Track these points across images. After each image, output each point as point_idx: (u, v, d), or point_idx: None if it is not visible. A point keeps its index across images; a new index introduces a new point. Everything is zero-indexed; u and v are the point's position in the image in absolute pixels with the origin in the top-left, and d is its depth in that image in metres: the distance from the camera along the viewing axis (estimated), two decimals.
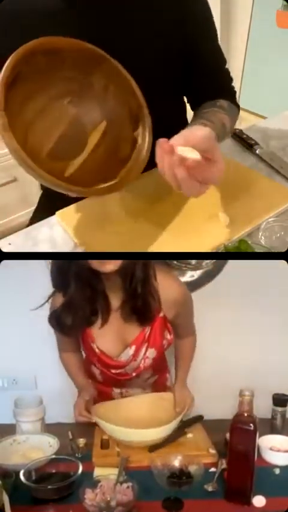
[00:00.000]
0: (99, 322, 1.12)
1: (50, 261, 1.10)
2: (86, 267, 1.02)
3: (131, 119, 1.04)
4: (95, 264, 1.00)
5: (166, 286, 1.11)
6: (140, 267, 1.06)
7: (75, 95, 1.03)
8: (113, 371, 1.15)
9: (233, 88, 1.24)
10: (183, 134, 0.87)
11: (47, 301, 1.14)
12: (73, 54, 0.98)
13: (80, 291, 1.06)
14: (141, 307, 1.07)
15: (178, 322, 1.17)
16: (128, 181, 0.99)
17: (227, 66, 1.22)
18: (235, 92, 1.24)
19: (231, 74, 1.23)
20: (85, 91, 1.03)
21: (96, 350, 1.14)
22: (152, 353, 1.13)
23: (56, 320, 1.11)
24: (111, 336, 1.13)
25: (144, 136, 1.03)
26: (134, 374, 1.14)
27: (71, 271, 1.05)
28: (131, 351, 1.12)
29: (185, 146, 0.83)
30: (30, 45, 0.89)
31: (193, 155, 0.83)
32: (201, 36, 1.13)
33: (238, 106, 1.23)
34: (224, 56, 1.20)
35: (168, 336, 1.15)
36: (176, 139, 0.84)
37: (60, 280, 1.09)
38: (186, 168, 0.81)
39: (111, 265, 1.00)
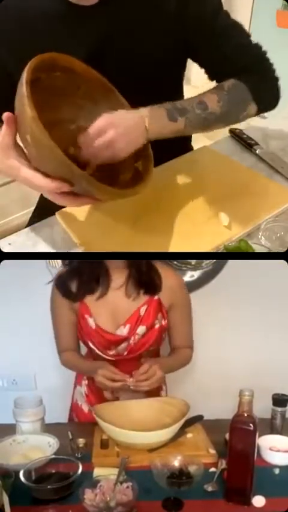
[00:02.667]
0: (98, 293, 1.16)
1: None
2: None
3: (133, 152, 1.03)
4: None
5: (164, 273, 1.19)
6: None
7: (82, 123, 1.04)
8: (110, 351, 1.17)
9: (249, 61, 1.13)
10: None
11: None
12: (87, 82, 1.01)
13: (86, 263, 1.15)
14: (146, 280, 1.16)
15: (173, 317, 1.20)
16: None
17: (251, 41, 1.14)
18: (256, 67, 1.14)
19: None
20: (91, 120, 1.02)
21: (93, 326, 1.16)
22: (142, 329, 1.16)
23: (62, 283, 1.19)
24: (107, 315, 1.17)
25: (146, 168, 1.02)
26: (125, 353, 1.17)
27: None
28: (125, 330, 1.16)
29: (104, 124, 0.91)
30: (55, 55, 0.94)
31: None
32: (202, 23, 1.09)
33: (264, 79, 1.14)
34: (239, 32, 1.13)
35: (163, 322, 1.18)
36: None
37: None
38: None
39: None
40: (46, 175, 0.88)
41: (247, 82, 1.10)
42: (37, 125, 0.82)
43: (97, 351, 1.18)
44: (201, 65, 1.18)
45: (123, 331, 1.16)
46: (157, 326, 1.18)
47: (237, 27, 1.14)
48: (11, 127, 0.88)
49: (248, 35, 1.16)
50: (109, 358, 1.18)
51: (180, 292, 1.22)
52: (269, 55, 1.16)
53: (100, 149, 0.92)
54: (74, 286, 1.18)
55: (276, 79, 1.17)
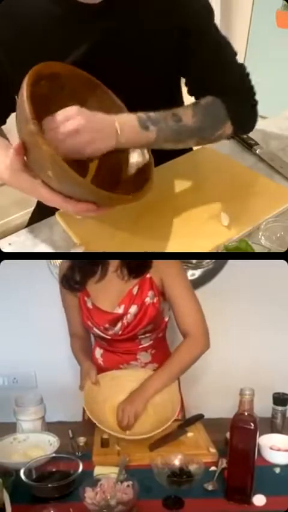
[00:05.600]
0: (97, 276, 1.20)
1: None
2: None
3: None
4: None
5: None
6: None
7: None
8: (108, 331, 1.19)
9: (230, 80, 1.13)
10: None
11: None
12: (71, 81, 1.00)
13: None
14: (136, 265, 1.19)
15: (170, 293, 1.19)
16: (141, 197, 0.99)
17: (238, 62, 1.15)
18: (236, 88, 1.13)
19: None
20: None
21: (91, 306, 1.20)
22: (133, 308, 1.17)
23: (67, 281, 1.22)
24: (104, 296, 1.20)
25: (144, 154, 1.03)
26: (121, 331, 1.19)
27: None
28: (120, 310, 1.18)
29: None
30: (38, 67, 0.92)
31: None
32: (194, 42, 1.09)
33: (243, 104, 1.14)
34: (225, 49, 1.13)
35: (154, 300, 1.18)
36: None
37: None
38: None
39: None
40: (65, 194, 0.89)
41: (225, 101, 1.09)
42: (58, 163, 0.82)
43: (96, 330, 1.21)
44: (183, 76, 1.18)
45: (119, 311, 1.19)
46: (148, 303, 1.18)
47: (224, 44, 1.14)
48: (19, 153, 0.88)
49: (234, 54, 1.15)
50: (107, 337, 1.21)
51: (170, 264, 1.20)
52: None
53: (63, 135, 0.89)
54: (77, 277, 1.21)
55: (255, 102, 1.17)
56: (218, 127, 1.10)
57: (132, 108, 1.03)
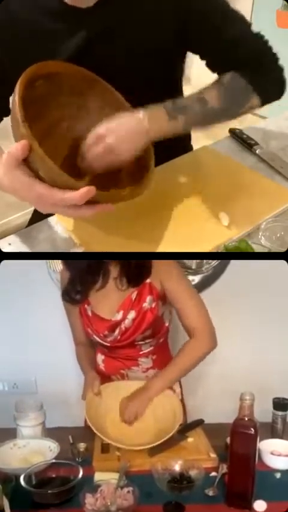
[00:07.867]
0: (99, 284, 1.19)
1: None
2: None
3: None
4: None
5: None
6: None
7: (73, 119, 1.05)
8: (107, 338, 1.18)
9: (249, 52, 1.10)
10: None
11: None
12: (69, 78, 1.01)
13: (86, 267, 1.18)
14: (134, 275, 1.17)
15: (170, 292, 1.18)
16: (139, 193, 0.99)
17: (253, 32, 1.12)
18: (255, 59, 1.10)
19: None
20: (82, 114, 1.05)
21: (90, 314, 1.19)
22: (131, 314, 1.16)
23: (68, 294, 1.21)
24: (104, 303, 1.19)
25: (147, 154, 1.02)
26: (119, 337, 1.18)
27: None
28: (119, 316, 1.17)
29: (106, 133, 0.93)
30: (34, 68, 0.92)
31: None
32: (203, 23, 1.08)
33: (262, 75, 1.10)
34: (238, 22, 1.10)
35: (153, 304, 1.16)
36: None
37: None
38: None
39: None
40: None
41: (246, 74, 1.07)
42: (48, 164, 0.82)
43: (96, 337, 1.20)
44: (202, 57, 1.16)
45: (118, 317, 1.18)
46: (146, 309, 1.16)
47: (237, 17, 1.11)
48: (17, 153, 0.84)
49: (248, 25, 1.13)
50: (106, 344, 1.20)
51: (167, 266, 1.19)
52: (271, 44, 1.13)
53: (100, 156, 0.93)
54: (79, 288, 1.20)
55: (279, 69, 1.13)
56: (244, 103, 1.09)
57: (132, 101, 1.04)
